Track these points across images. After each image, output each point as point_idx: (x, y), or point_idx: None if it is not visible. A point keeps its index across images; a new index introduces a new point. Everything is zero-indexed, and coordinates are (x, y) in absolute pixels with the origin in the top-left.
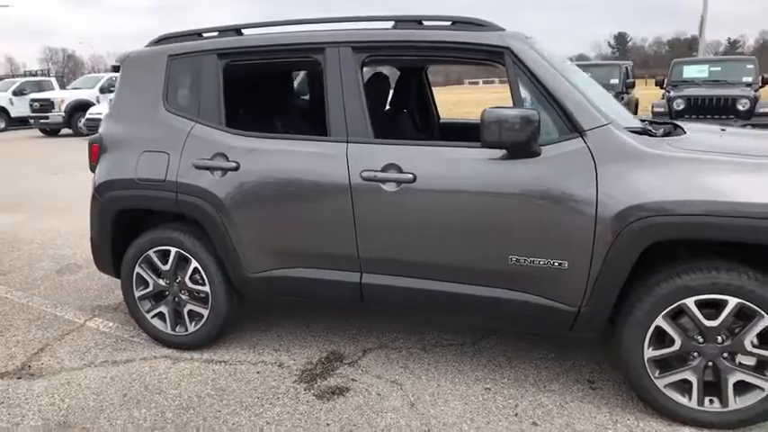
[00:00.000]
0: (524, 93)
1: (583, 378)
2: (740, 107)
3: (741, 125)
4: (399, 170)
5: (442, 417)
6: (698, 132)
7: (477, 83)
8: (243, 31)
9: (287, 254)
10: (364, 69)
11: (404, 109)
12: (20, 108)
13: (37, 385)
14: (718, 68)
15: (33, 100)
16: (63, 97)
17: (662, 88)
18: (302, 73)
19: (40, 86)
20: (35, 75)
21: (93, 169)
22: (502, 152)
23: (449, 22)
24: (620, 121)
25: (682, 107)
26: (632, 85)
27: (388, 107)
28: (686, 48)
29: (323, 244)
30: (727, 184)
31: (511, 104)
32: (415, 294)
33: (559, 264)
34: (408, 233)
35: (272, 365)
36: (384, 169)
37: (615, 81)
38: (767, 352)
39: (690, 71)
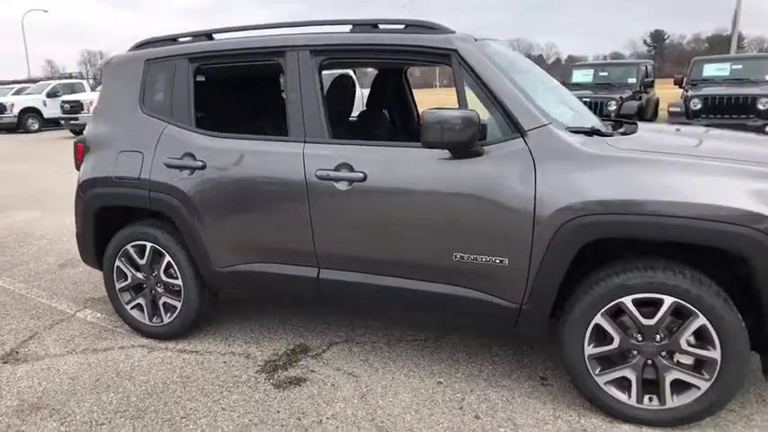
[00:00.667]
0: (469, 94)
1: (536, 374)
2: (760, 106)
3: (761, 125)
4: (351, 169)
5: (388, 408)
6: (649, 132)
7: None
8: (214, 35)
9: (250, 249)
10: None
11: (382, 110)
12: (52, 110)
13: (20, 369)
14: (740, 66)
15: (64, 102)
16: (92, 99)
17: (680, 87)
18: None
19: (72, 89)
20: (69, 77)
21: (78, 168)
22: (447, 152)
23: (402, 26)
24: (569, 120)
25: (699, 107)
26: (650, 85)
27: (364, 108)
28: (726, 45)
29: (282, 240)
30: (658, 184)
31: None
32: (368, 289)
33: (500, 261)
34: (360, 230)
35: (240, 356)
36: (337, 168)
37: (632, 80)
38: (703, 351)
39: (710, 69)
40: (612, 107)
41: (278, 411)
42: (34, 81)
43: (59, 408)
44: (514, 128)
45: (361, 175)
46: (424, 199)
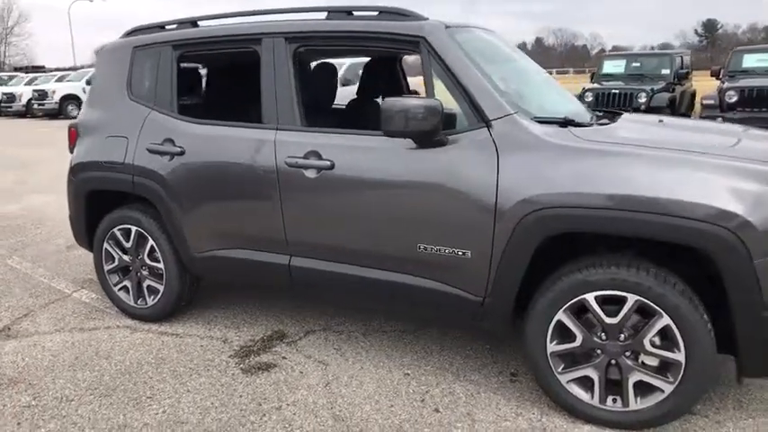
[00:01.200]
0: (437, 82)
1: (507, 371)
2: None
3: None
4: (319, 157)
5: (349, 397)
6: (628, 123)
7: (567, 71)
8: (199, 23)
9: (226, 235)
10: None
11: (373, 98)
12: None
13: (9, 345)
14: None
15: None
16: None
17: (717, 79)
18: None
19: None
20: None
21: (72, 152)
22: (412, 141)
23: (376, 12)
24: (544, 110)
25: (734, 99)
26: (685, 76)
27: (355, 96)
28: None
29: (256, 227)
30: (619, 176)
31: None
32: (337, 279)
33: (463, 253)
34: (327, 218)
35: (217, 340)
36: (306, 156)
37: (666, 72)
38: (668, 353)
39: (750, 60)
40: (642, 99)
41: (241, 396)
42: (75, 69)
43: (35, 383)
44: (480, 117)
45: (329, 163)
46: (388, 188)
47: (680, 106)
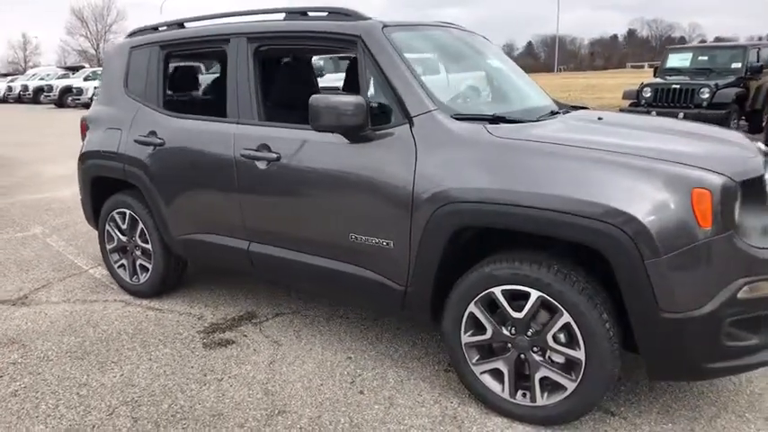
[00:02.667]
0: (370, 79)
1: (445, 361)
2: None
3: None
4: (269, 149)
5: (287, 374)
6: (566, 120)
7: (642, 66)
8: (186, 24)
9: (198, 221)
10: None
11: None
12: None
13: (20, 311)
14: None
15: None
16: None
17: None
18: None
19: None
20: None
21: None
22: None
23: (326, 13)
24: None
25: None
26: (759, 70)
27: (340, 92)
28: None
29: (221, 214)
30: (521, 173)
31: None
32: (285, 264)
33: (387, 243)
34: (275, 207)
35: (193, 317)
36: (258, 149)
37: (737, 66)
38: (569, 350)
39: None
40: (705, 95)
41: (192, 366)
42: None
43: (27, 344)
44: (404, 114)
45: (276, 155)
46: (324, 180)
47: (754, 102)
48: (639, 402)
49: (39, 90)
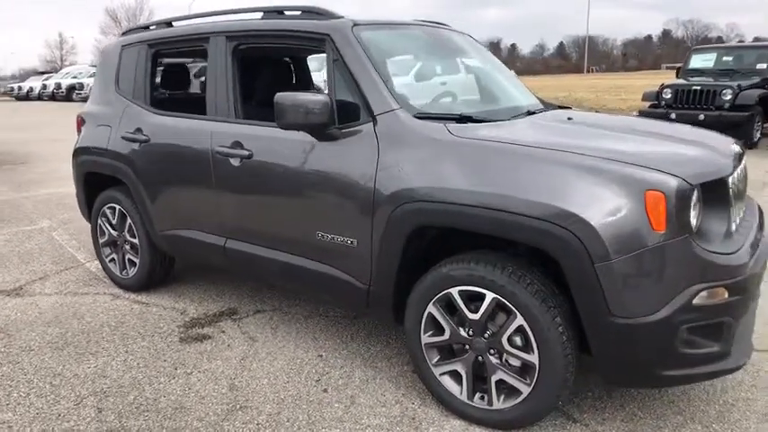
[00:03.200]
0: (338, 77)
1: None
2: None
3: None
4: (242, 147)
5: (255, 371)
6: (534, 120)
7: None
8: (174, 23)
9: (179, 216)
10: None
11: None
12: None
13: (12, 302)
14: None
15: None
16: None
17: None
18: None
19: None
20: None
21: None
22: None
23: (299, 12)
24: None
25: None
26: None
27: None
28: None
29: (200, 210)
30: (474, 173)
31: None
32: (258, 260)
33: (351, 242)
34: (249, 204)
35: (176, 311)
36: (232, 146)
37: (763, 66)
38: (523, 353)
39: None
40: (727, 97)
41: (165, 360)
42: None
43: (13, 333)
44: (368, 112)
45: (248, 152)
46: (292, 177)
47: None
48: (605, 410)
49: (71, 88)
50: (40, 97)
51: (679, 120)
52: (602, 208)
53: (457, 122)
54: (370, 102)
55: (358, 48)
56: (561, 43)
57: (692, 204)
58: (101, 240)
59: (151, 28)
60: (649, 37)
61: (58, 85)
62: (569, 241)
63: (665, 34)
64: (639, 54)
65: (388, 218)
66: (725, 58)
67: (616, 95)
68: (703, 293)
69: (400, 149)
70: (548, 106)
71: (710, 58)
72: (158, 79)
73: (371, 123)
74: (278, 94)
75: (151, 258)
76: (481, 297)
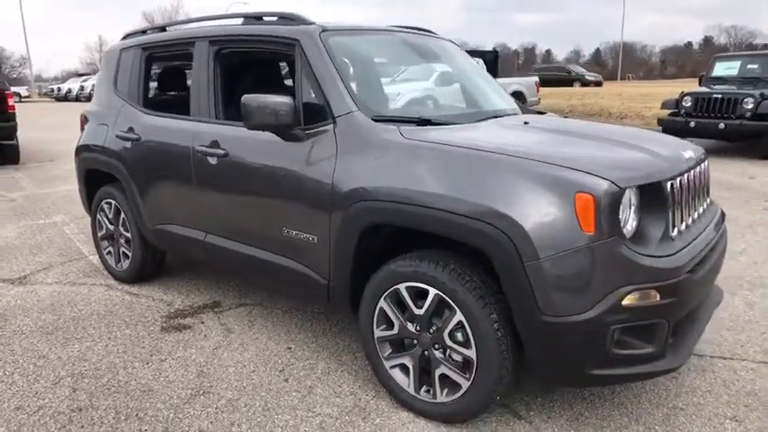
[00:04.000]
0: (305, 80)
1: None
2: None
3: None
4: (218, 146)
5: (225, 360)
6: (490, 124)
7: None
8: (168, 28)
9: (165, 212)
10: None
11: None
12: None
13: (15, 290)
14: None
15: None
16: None
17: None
18: None
19: None
20: None
21: None
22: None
23: (275, 18)
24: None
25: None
26: None
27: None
28: None
29: (183, 205)
30: (415, 173)
31: None
32: (234, 255)
33: (312, 239)
34: (224, 200)
35: (163, 303)
36: (210, 145)
37: None
38: (463, 349)
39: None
40: (749, 105)
41: (143, 347)
42: None
43: (9, 318)
44: (330, 114)
45: (223, 152)
46: (262, 176)
47: None
48: (552, 408)
49: None
50: (77, 98)
51: (699, 129)
52: (533, 208)
53: (417, 125)
54: (331, 104)
55: (323, 52)
56: (597, 50)
57: (621, 207)
58: (99, 234)
59: (147, 32)
60: (689, 44)
61: (94, 87)
62: (501, 240)
63: (707, 41)
64: (679, 61)
65: (343, 216)
66: (750, 66)
67: (642, 103)
68: (634, 295)
69: (356, 150)
70: (526, 111)
71: (734, 65)
72: (152, 81)
73: (332, 124)
74: (245, 96)
75: (142, 252)
76: (426, 293)
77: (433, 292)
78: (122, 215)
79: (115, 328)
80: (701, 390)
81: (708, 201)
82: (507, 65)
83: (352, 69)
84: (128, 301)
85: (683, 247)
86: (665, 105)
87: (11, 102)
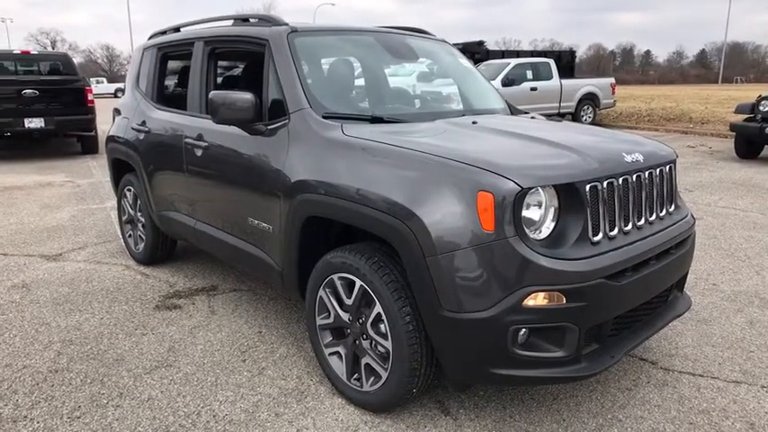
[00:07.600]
0: (271, 78)
1: None
2: None
3: None
4: (202, 139)
5: (198, 338)
6: (443, 122)
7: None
8: (182, 29)
9: (166, 199)
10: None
11: None
12: None
13: (46, 265)
14: None
15: None
16: None
17: None
18: None
19: None
20: None
21: None
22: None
23: (257, 20)
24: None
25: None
26: None
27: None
28: None
29: (178, 194)
30: (344, 168)
31: None
32: (215, 241)
33: (269, 228)
34: (207, 189)
35: (167, 284)
36: (197, 138)
37: None
38: (382, 340)
39: None
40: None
41: (132, 322)
42: None
43: (32, 289)
44: (286, 110)
45: (206, 144)
46: (233, 168)
47: None
48: (485, 408)
49: None
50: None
51: None
52: (438, 205)
53: (370, 123)
54: (287, 100)
55: (287, 52)
56: (702, 50)
57: (524, 207)
58: (123, 218)
59: (167, 33)
60: None
61: None
62: (406, 235)
63: None
64: (708, 67)
65: (289, 207)
66: None
67: (728, 108)
68: (537, 296)
69: (302, 145)
70: (516, 111)
71: None
72: (164, 78)
73: (287, 120)
74: (212, 92)
75: (153, 236)
76: (354, 284)
77: (358, 283)
78: (138, 201)
79: (116, 304)
80: (652, 403)
81: (672, 206)
82: (602, 65)
83: (309, 68)
84: (137, 281)
85: (607, 252)
86: (739, 110)
87: (90, 96)
